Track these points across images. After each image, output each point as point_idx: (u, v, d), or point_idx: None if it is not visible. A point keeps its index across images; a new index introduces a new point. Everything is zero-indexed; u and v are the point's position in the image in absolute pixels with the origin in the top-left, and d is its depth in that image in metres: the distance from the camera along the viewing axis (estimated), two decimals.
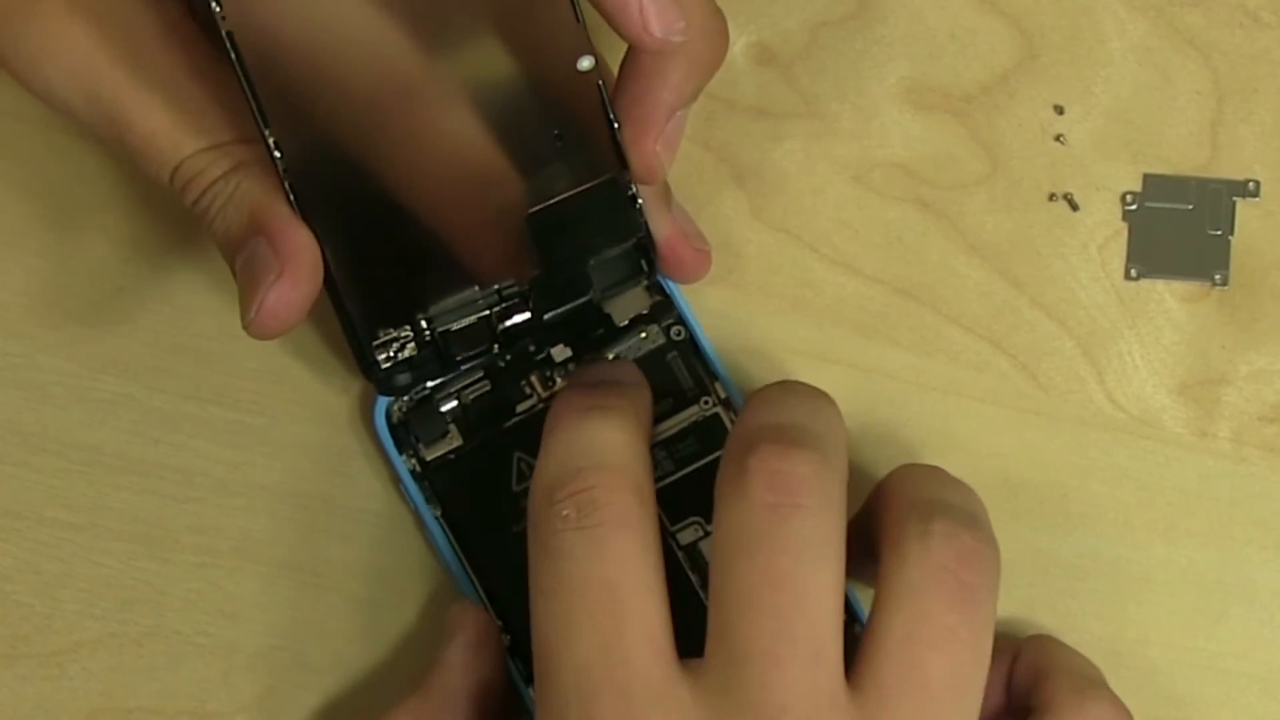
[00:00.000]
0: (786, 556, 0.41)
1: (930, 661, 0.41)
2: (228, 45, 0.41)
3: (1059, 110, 0.52)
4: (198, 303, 0.50)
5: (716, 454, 0.45)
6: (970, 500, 0.44)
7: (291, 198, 0.43)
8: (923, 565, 0.42)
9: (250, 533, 0.49)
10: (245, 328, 0.43)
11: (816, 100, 0.52)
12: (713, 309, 0.50)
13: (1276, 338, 0.51)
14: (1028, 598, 0.49)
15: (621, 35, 0.43)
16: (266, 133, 0.42)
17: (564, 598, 0.41)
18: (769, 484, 0.41)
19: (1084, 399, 0.50)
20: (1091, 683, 0.45)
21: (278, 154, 0.43)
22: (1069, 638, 0.47)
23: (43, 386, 0.50)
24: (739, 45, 0.52)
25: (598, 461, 0.43)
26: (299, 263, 0.43)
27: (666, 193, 0.48)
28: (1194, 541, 0.49)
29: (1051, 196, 0.52)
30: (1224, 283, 0.51)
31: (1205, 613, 0.49)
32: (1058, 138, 0.52)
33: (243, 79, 0.42)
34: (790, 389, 0.45)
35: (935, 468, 0.45)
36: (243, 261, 0.44)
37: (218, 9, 0.40)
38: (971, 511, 0.43)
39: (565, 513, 0.42)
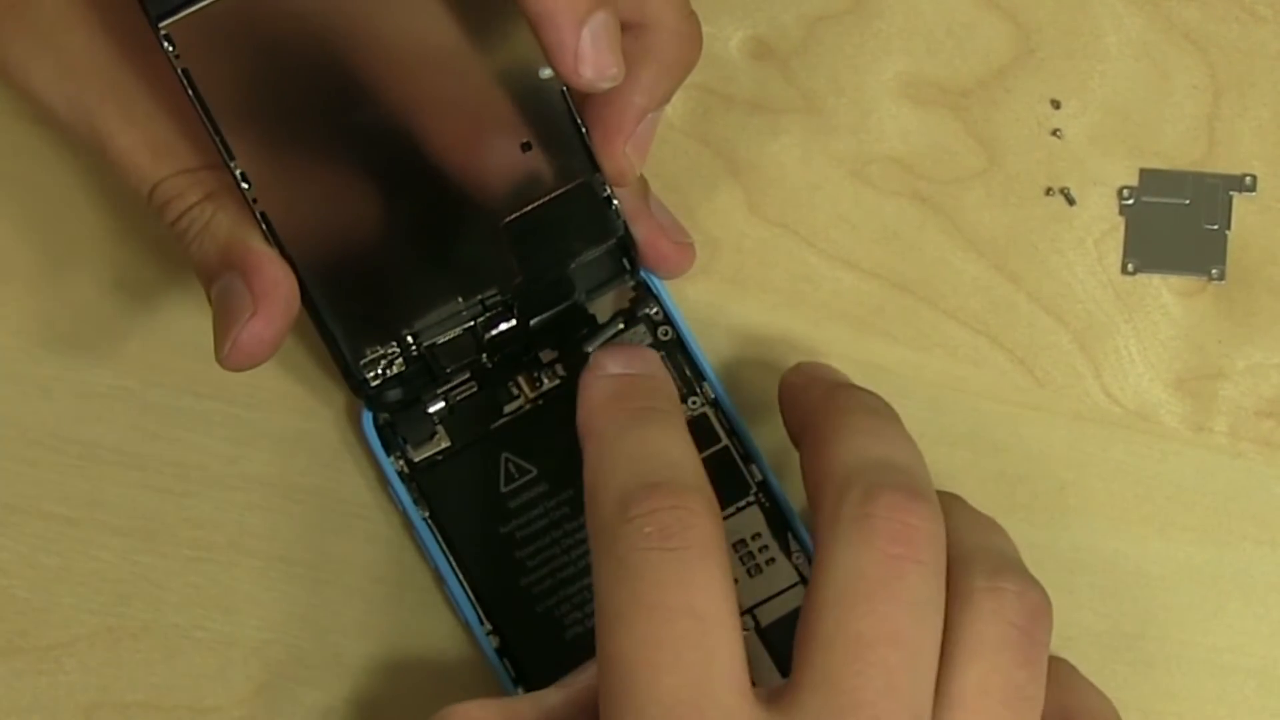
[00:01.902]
0: (904, 613, 0.40)
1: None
2: (183, 83, 0.41)
3: (1056, 105, 0.52)
4: (194, 298, 0.50)
5: (705, 453, 0.45)
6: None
7: (264, 227, 0.43)
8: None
9: (247, 527, 0.49)
10: (219, 362, 0.43)
11: (813, 95, 0.52)
12: (709, 303, 0.50)
13: (1273, 332, 0.51)
14: None
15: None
16: (233, 165, 0.42)
17: (648, 623, 0.40)
18: (894, 535, 0.40)
19: (1081, 393, 0.50)
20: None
21: (245, 185, 0.43)
22: (1065, 632, 0.47)
23: (40, 381, 0.50)
24: (735, 40, 0.52)
25: (673, 477, 0.41)
26: (273, 300, 0.43)
27: (644, 190, 0.48)
28: (1190, 536, 0.49)
29: (1048, 191, 0.52)
30: (1220, 277, 0.51)
31: (1201, 607, 0.49)
32: (1054, 132, 0.52)
33: (202, 114, 0.42)
34: (883, 417, 0.44)
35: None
36: (217, 294, 0.44)
37: (171, 49, 0.41)
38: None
39: (647, 530, 0.40)
